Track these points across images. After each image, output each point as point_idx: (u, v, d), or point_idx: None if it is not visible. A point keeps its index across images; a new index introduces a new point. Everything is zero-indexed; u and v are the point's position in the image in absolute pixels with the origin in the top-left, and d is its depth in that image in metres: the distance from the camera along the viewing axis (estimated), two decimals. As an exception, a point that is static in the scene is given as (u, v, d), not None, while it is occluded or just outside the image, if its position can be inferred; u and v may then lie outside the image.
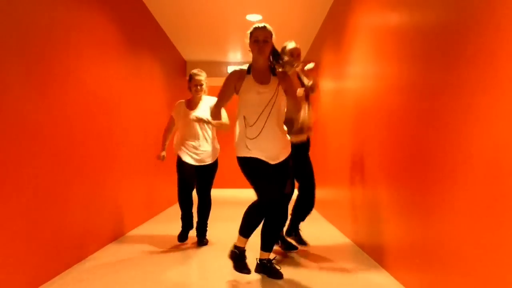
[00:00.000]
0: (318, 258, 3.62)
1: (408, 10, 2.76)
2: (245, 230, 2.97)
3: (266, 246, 3.02)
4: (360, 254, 3.75)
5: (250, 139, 2.88)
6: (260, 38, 2.92)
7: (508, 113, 1.67)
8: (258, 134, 2.86)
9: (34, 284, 2.73)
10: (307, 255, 3.71)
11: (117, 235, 4.38)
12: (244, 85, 2.96)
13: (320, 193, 6.42)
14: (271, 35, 2.96)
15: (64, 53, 3.18)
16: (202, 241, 4.16)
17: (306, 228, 4.25)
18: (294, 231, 3.93)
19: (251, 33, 2.98)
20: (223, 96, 3.05)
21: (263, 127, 2.86)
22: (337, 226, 5.06)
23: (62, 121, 3.13)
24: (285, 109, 3.05)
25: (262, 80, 2.96)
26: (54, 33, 3.03)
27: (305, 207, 3.90)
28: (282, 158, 2.97)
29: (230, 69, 9.02)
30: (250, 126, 2.88)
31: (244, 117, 2.93)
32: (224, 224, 5.16)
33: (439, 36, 2.30)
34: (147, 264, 3.41)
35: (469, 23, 1.98)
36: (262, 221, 2.99)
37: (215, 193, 4.16)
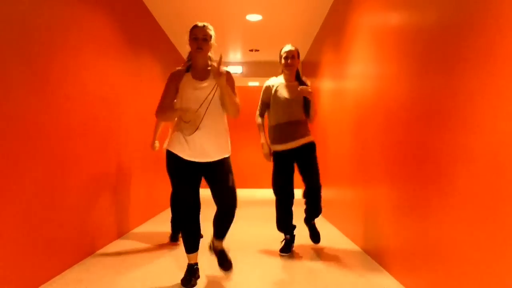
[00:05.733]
0: (318, 259, 3.62)
1: (408, 10, 2.76)
2: (188, 244, 2.92)
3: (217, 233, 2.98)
4: (360, 254, 3.75)
5: (187, 135, 2.83)
6: (199, 36, 2.90)
7: (507, 113, 1.67)
8: (194, 131, 2.82)
9: (34, 284, 2.73)
10: (308, 256, 3.71)
11: (118, 235, 4.38)
12: (183, 82, 2.91)
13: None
14: (210, 36, 2.96)
15: (63, 53, 3.18)
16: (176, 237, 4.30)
17: (307, 229, 4.25)
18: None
19: (190, 31, 2.94)
20: (165, 97, 2.93)
21: (200, 123, 2.82)
22: (338, 226, 5.06)
23: (62, 121, 3.13)
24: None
25: (200, 77, 2.92)
26: (54, 33, 3.03)
27: (311, 207, 3.85)
28: (217, 157, 2.89)
29: (230, 69, 9.04)
30: (186, 123, 2.84)
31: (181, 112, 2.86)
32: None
33: (439, 36, 2.30)
34: (147, 264, 3.41)
35: (469, 23, 1.98)
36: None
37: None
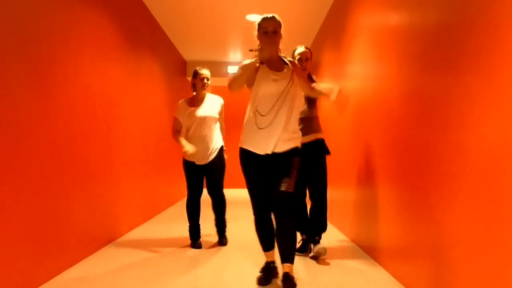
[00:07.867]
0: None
1: (408, 10, 2.76)
2: (261, 243, 2.89)
3: (283, 256, 2.73)
4: (359, 252, 3.75)
5: (261, 128, 2.75)
6: (269, 29, 2.86)
7: (507, 113, 1.67)
8: (270, 123, 2.74)
9: (34, 284, 2.73)
10: (306, 254, 3.71)
11: (117, 235, 4.38)
12: (259, 74, 2.84)
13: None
14: (280, 25, 2.90)
15: (64, 53, 3.18)
16: (222, 241, 4.16)
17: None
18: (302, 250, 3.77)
19: (259, 24, 2.90)
20: (239, 74, 2.86)
21: (276, 115, 2.75)
22: (336, 225, 5.07)
23: (62, 121, 3.13)
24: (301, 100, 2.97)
25: (276, 68, 2.87)
26: (54, 33, 3.03)
27: (314, 221, 3.64)
28: (286, 148, 2.77)
29: (230, 69, 9.03)
30: (262, 116, 2.76)
31: (257, 106, 2.81)
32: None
33: (438, 36, 2.30)
34: (147, 264, 3.41)
35: (469, 23, 1.98)
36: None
37: (229, 193, 4.10)
